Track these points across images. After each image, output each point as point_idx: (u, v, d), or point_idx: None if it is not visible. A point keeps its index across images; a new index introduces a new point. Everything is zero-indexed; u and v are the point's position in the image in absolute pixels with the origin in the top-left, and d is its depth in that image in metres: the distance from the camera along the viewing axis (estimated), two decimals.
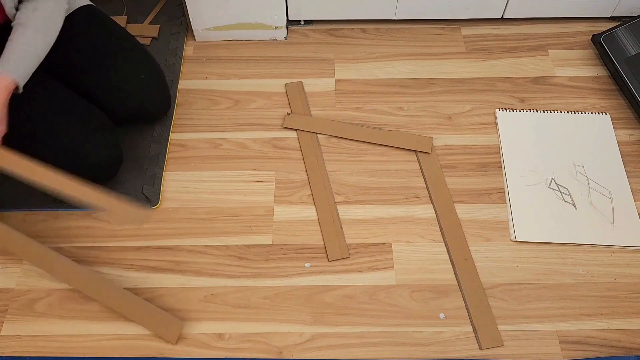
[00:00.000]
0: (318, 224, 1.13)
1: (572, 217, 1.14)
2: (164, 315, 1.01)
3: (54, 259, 1.06)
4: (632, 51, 1.32)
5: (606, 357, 0.97)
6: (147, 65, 1.20)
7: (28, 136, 1.04)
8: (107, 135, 1.11)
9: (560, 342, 1.00)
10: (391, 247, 1.11)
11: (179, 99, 1.33)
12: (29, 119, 1.04)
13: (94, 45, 1.15)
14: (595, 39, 1.38)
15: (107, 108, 1.14)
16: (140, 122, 1.26)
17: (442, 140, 1.26)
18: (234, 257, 1.10)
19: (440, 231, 1.13)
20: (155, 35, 1.44)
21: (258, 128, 1.28)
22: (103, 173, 1.13)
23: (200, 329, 1.01)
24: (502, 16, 1.46)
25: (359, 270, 1.08)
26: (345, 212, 1.15)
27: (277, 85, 1.36)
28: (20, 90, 0.96)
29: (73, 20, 1.11)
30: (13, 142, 1.04)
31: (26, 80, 0.96)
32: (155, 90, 1.21)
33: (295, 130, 1.28)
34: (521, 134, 1.26)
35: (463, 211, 1.15)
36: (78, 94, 1.12)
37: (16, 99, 1.00)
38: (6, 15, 0.99)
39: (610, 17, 1.47)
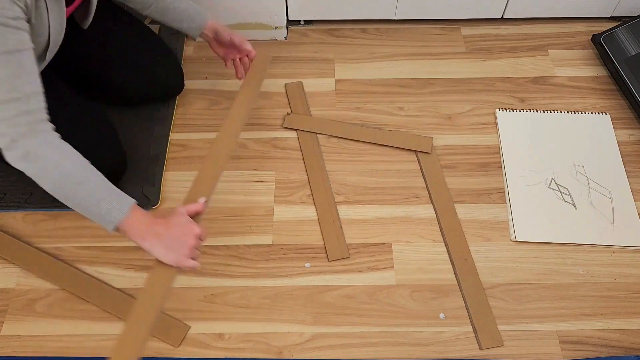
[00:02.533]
0: (318, 224, 1.13)
1: (572, 217, 1.14)
2: (167, 319, 1.01)
3: (52, 266, 1.07)
4: (632, 51, 1.32)
5: (606, 357, 0.97)
6: (163, 47, 1.26)
7: None
8: (111, 143, 1.11)
9: (560, 342, 0.99)
10: (391, 247, 1.11)
11: (179, 99, 1.33)
12: None
13: (114, 32, 1.17)
14: (595, 39, 1.38)
15: (127, 86, 1.20)
16: (156, 100, 1.30)
17: (442, 140, 1.26)
18: (234, 257, 1.10)
19: (440, 231, 1.13)
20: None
21: (258, 128, 1.28)
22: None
23: (200, 329, 1.01)
24: (502, 16, 1.46)
25: (359, 270, 1.08)
26: (345, 212, 1.15)
27: (277, 85, 1.36)
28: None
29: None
30: None
31: None
32: (171, 69, 1.27)
33: (295, 130, 1.28)
34: (521, 134, 1.26)
35: (463, 211, 1.15)
36: (94, 78, 1.15)
37: None
38: None
39: (610, 17, 1.47)
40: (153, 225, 0.86)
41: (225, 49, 1.21)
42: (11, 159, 0.80)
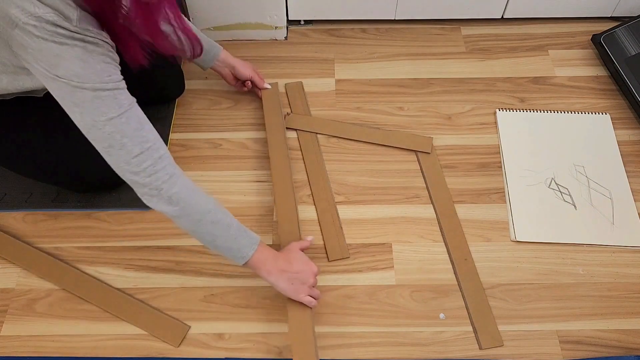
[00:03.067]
0: (318, 224, 1.13)
1: (572, 217, 1.14)
2: (166, 319, 1.01)
3: (52, 266, 1.07)
4: (632, 51, 1.32)
5: (606, 357, 0.97)
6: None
7: (36, 147, 1.03)
8: None
9: (560, 342, 0.99)
10: (391, 247, 1.11)
11: (178, 99, 1.33)
12: (38, 129, 1.03)
13: None
14: (595, 39, 1.38)
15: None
16: (156, 103, 1.30)
17: (442, 140, 1.26)
18: None
19: (440, 231, 1.13)
20: None
21: (258, 128, 1.28)
22: (110, 185, 1.15)
23: (200, 329, 1.01)
24: (502, 16, 1.46)
25: (359, 270, 1.08)
26: (345, 212, 1.15)
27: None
28: None
29: None
30: (19, 156, 1.04)
31: None
32: (172, 72, 1.27)
33: (295, 130, 1.28)
34: (521, 134, 1.26)
35: (463, 211, 1.15)
36: None
37: (22, 114, 1.00)
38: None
39: (610, 17, 1.47)
40: (277, 260, 0.93)
41: (238, 80, 1.27)
42: (153, 204, 0.83)
